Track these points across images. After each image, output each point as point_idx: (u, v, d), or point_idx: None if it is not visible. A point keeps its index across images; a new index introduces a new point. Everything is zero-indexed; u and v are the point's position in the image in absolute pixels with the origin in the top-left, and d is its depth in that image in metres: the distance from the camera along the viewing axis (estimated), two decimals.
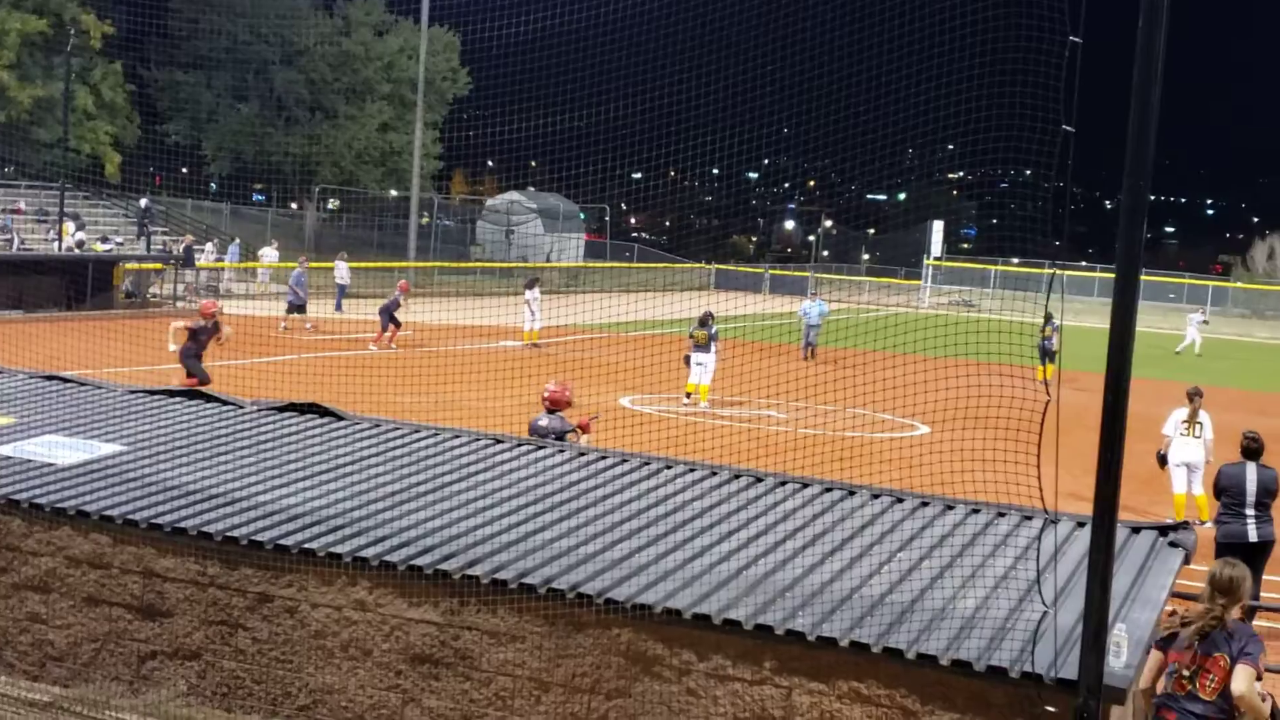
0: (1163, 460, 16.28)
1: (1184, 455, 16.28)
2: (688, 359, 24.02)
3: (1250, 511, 12.51)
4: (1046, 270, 6.80)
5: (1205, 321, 53.20)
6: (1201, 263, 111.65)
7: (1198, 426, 16.31)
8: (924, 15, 7.21)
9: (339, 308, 37.82)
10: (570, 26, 9.04)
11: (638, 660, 6.30)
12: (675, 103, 9.26)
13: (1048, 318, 43.53)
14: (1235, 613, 6.75)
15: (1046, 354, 40.54)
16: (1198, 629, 6.68)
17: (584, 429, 11.57)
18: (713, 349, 24.23)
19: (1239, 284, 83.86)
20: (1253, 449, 12.78)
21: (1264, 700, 6.67)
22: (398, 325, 29.81)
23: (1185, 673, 6.80)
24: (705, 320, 24.64)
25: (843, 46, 8.03)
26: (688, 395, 24.09)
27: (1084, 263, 70.53)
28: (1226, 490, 12.66)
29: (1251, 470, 12.64)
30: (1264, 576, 12.77)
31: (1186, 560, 7.89)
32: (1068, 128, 5.65)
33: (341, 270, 39.34)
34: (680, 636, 6.25)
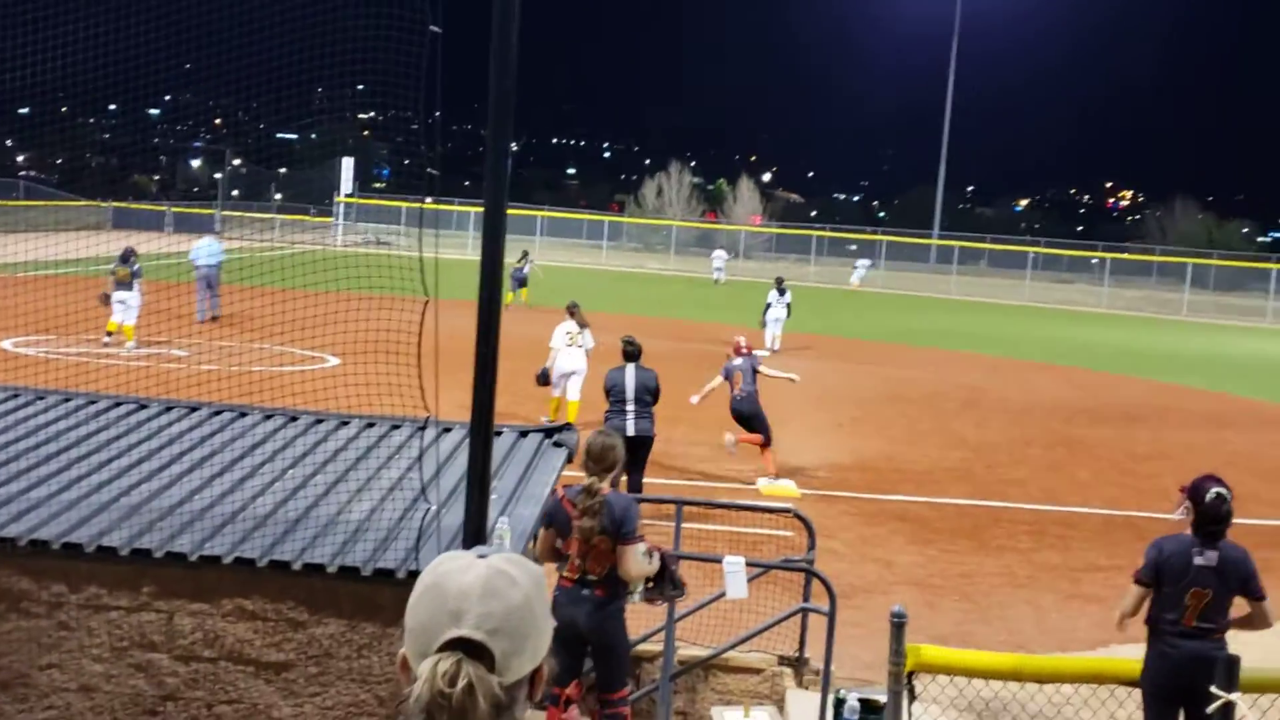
0: (543, 377, 17.78)
1: (569, 364, 18.18)
2: (107, 297, 22.63)
3: (630, 408, 13.83)
4: (420, 205, 6.88)
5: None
6: (600, 200, 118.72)
7: (580, 335, 18.32)
8: None
9: None
10: None
11: (3, 598, 5.84)
12: (65, 36, 8.52)
13: (524, 252, 46.51)
14: (606, 484, 7.39)
15: (521, 282, 43.18)
16: (583, 509, 7.21)
17: None
18: (136, 286, 23.09)
19: (632, 219, 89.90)
20: (630, 352, 14.18)
21: (650, 558, 7.27)
22: None
23: (577, 561, 7.29)
24: (127, 257, 23.39)
25: None
26: (109, 334, 22.72)
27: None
28: (610, 390, 14.05)
29: (631, 371, 13.99)
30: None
31: (569, 459, 8.38)
32: (435, 28, 5.73)
33: None
34: (50, 569, 5.86)
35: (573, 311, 18.72)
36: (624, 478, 12.64)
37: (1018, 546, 14.10)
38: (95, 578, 5.86)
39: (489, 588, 2.08)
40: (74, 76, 8.63)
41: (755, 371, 16.68)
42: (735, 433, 16.42)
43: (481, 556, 2.15)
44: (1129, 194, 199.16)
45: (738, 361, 16.78)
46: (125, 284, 23.44)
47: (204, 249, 29.23)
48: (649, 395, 14.00)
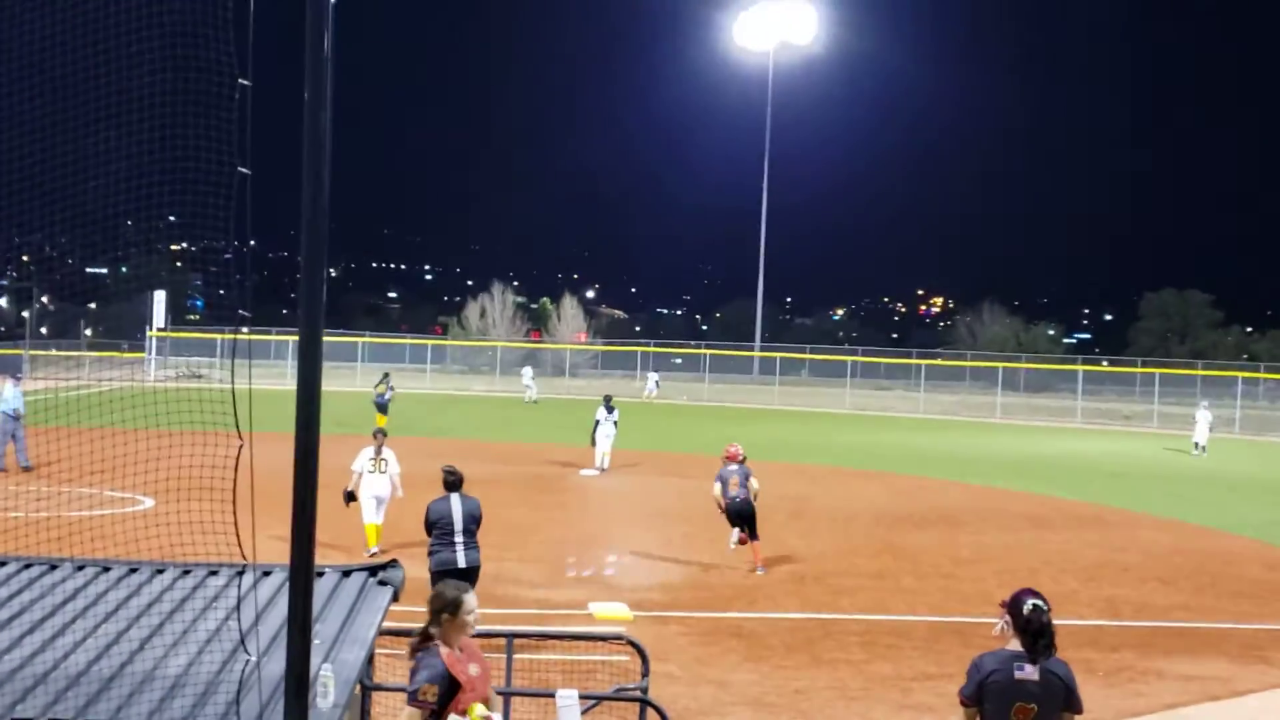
0: (349, 497, 17.87)
1: (374, 489, 18.64)
2: None
3: (459, 539, 13.61)
4: (232, 335, 6.76)
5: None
6: (423, 323, 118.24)
7: (384, 463, 18.80)
8: (115, 87, 7.00)
9: None
10: None
11: None
12: None
13: (385, 375, 47.59)
14: (436, 633, 7.46)
15: (381, 408, 43.31)
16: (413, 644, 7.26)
17: None
18: None
19: (455, 341, 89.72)
20: (451, 481, 14.00)
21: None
22: None
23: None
24: None
25: (41, 114, 7.59)
26: None
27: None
28: (436, 524, 13.73)
29: (456, 501, 13.79)
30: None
31: (395, 597, 8.22)
32: (243, 169, 5.71)
33: None
34: None
35: (376, 435, 19.54)
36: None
37: (850, 658, 14.26)
38: None
39: None
40: None
41: (748, 476, 19.12)
42: (739, 533, 19.18)
43: None
44: (940, 300, 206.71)
45: (733, 468, 19.16)
46: None
47: (5, 397, 28.12)
48: (475, 525, 13.86)
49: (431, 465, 17.83)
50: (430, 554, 13.64)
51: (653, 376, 69.24)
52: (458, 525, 13.65)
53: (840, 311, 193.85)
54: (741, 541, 19.10)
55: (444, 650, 7.44)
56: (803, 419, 57.84)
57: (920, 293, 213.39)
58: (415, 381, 71.53)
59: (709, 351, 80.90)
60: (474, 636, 12.46)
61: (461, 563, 13.44)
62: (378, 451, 19.03)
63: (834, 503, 27.65)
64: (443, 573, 13.35)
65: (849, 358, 79.17)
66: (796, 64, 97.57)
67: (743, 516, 18.90)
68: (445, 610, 7.58)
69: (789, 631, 15.49)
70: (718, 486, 19.03)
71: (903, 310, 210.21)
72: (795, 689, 12.95)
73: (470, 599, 7.63)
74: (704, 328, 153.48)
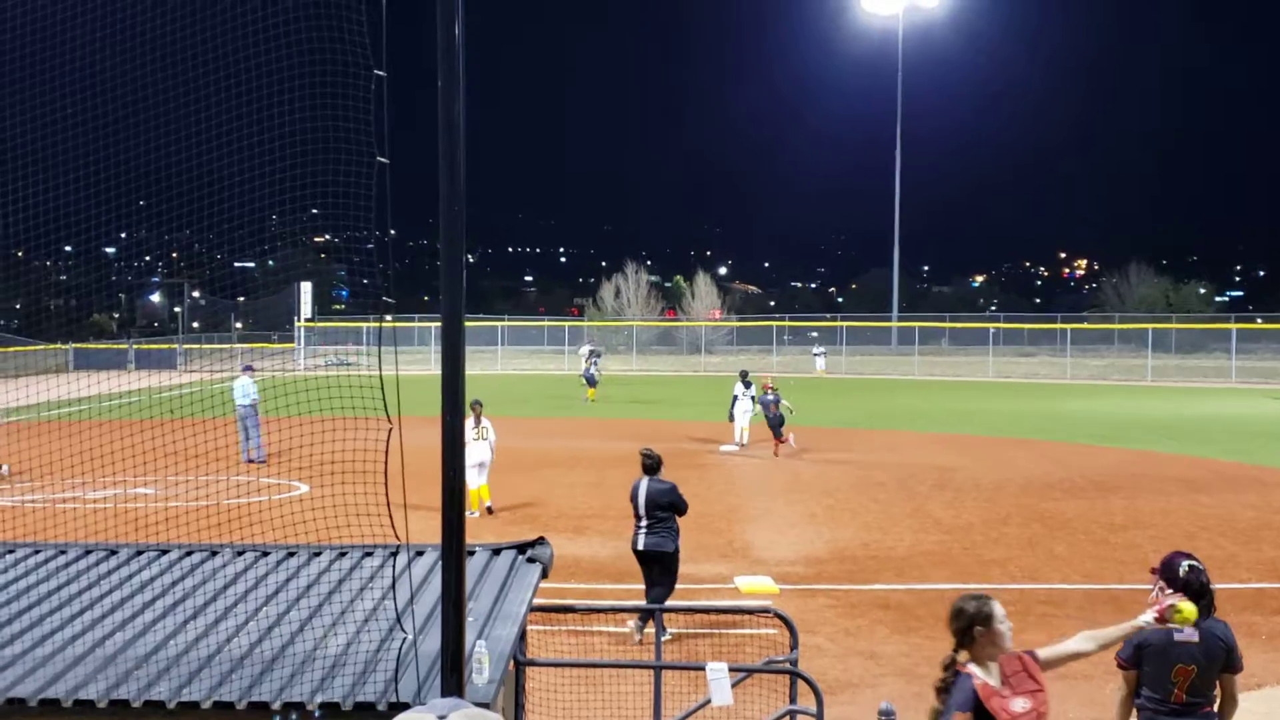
0: None
1: (476, 456, 20.07)
2: None
3: (642, 523, 13.55)
4: (377, 323, 6.90)
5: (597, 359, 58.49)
6: (559, 305, 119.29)
7: (485, 430, 20.59)
8: (253, 83, 7.19)
9: None
10: None
11: None
12: (14, 180, 8.59)
13: (593, 352, 52.43)
14: (964, 656, 6.29)
15: (590, 380, 45.51)
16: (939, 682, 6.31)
17: None
18: None
19: (591, 322, 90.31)
20: (647, 465, 13.91)
21: None
22: None
23: None
24: None
25: (188, 116, 7.84)
26: None
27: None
28: (632, 502, 13.78)
29: (643, 485, 13.75)
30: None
31: (544, 574, 8.33)
32: (382, 159, 5.81)
33: None
34: None
35: (474, 407, 21.05)
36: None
37: None
38: None
39: None
40: (28, 221, 8.67)
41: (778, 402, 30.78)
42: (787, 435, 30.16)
43: (441, 717, 2.18)
44: (1084, 263, 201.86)
45: (770, 397, 30.86)
46: None
47: (239, 388, 28.50)
48: (659, 510, 13.65)
49: (586, 445, 18.11)
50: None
51: (820, 351, 68.14)
52: (640, 508, 13.68)
53: (980, 278, 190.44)
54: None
55: (977, 677, 6.23)
56: (944, 389, 57.05)
57: (1062, 255, 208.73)
58: (554, 363, 72.23)
59: (845, 324, 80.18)
60: (607, 611, 12.59)
61: (639, 545, 13.50)
62: (477, 421, 20.74)
63: (980, 472, 27.23)
64: (641, 554, 13.62)
65: (990, 324, 77.88)
66: (926, 24, 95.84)
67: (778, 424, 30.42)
68: (976, 624, 6.34)
69: (939, 602, 15.30)
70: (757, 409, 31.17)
71: (1045, 274, 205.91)
72: None
73: (997, 606, 6.31)
74: (839, 299, 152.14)
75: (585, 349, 61.12)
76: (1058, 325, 77.64)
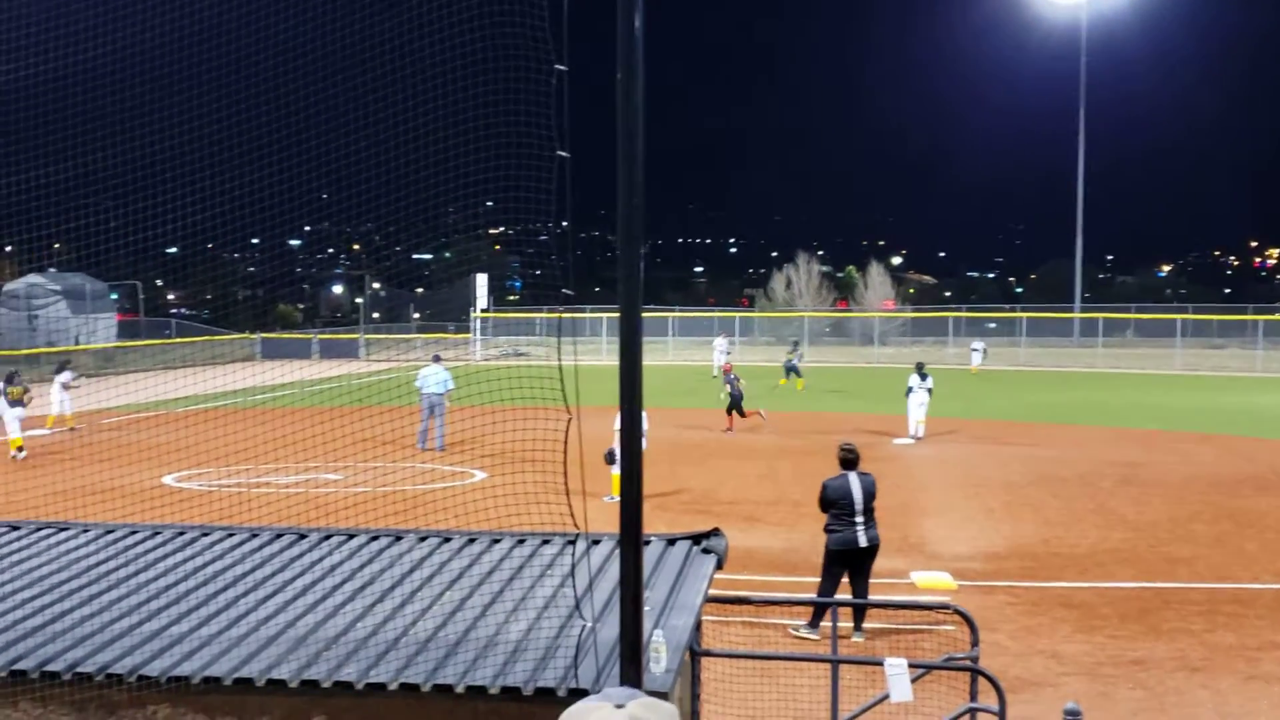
0: (610, 456, 17.78)
1: None
2: None
3: (860, 519, 13.30)
4: (554, 314, 6.94)
5: (727, 353, 58.16)
6: (729, 296, 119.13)
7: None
8: (432, 79, 7.33)
9: None
10: (85, 99, 8.54)
11: None
12: (208, 174, 8.93)
13: (795, 343, 53.59)
14: None
15: (793, 370, 46.41)
16: None
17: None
18: (24, 402, 27.56)
19: (762, 314, 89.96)
20: (851, 459, 13.61)
21: None
22: None
23: None
24: (12, 378, 27.72)
25: (368, 111, 8.04)
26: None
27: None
28: (836, 503, 13.33)
29: (855, 480, 13.47)
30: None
31: (719, 565, 8.33)
32: (562, 153, 5.86)
33: None
34: (222, 705, 5.98)
35: None
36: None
37: (1190, 628, 13.58)
38: (267, 711, 5.97)
39: None
40: (217, 215, 8.99)
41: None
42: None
43: (619, 706, 2.19)
44: (1276, 252, 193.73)
45: (732, 377, 34.18)
46: (18, 401, 27.40)
47: (430, 376, 28.31)
48: (872, 502, 13.46)
49: (758, 440, 17.98)
50: (829, 532, 13.36)
51: (978, 347, 66.53)
52: (858, 504, 13.29)
53: (1166, 268, 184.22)
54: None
55: None
56: (1129, 382, 55.34)
57: (1253, 244, 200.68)
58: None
59: (1025, 315, 78.28)
60: (783, 604, 12.42)
61: (862, 542, 13.21)
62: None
63: (1167, 468, 26.36)
64: (842, 553, 13.27)
65: (1178, 315, 75.15)
66: (1111, 9, 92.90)
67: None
68: None
69: (1123, 601, 14.87)
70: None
71: (1235, 264, 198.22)
72: (1133, 659, 12.43)
73: None
74: (1018, 290, 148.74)
75: (720, 341, 60.81)
76: (1249, 316, 74.63)
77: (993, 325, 77.93)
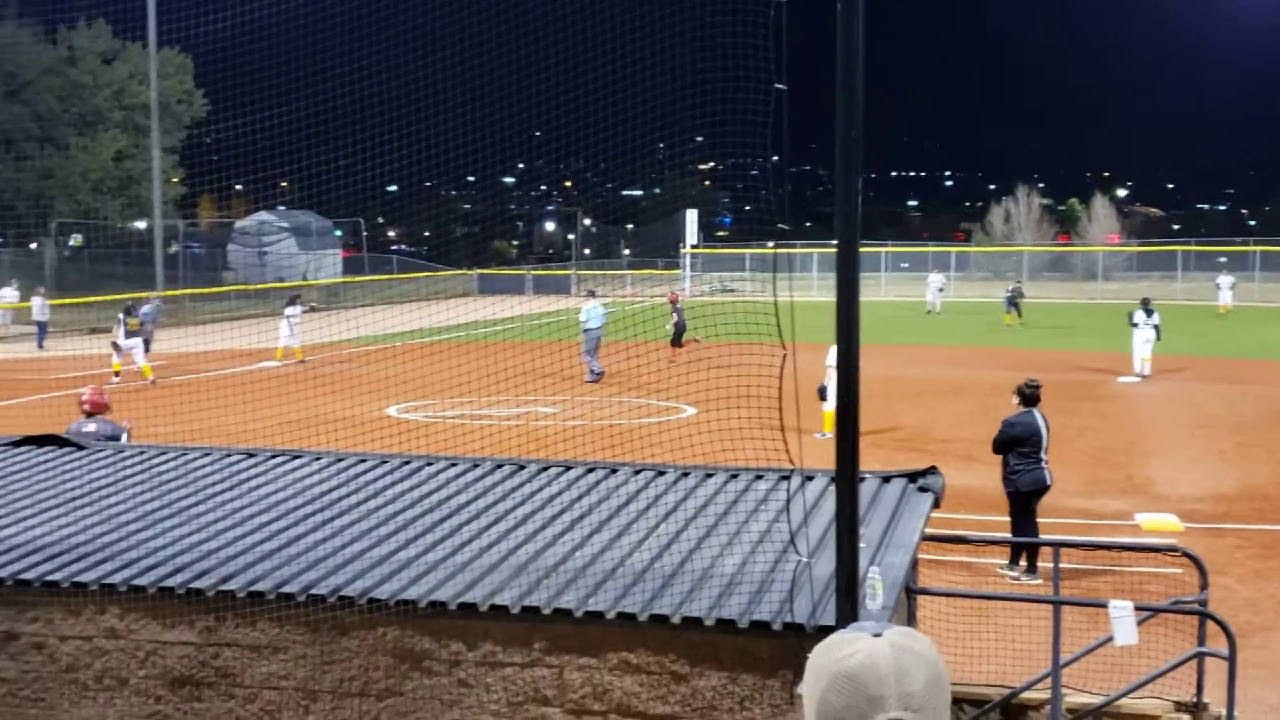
0: (823, 392, 17.43)
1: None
2: (117, 346, 29.26)
3: (1045, 456, 13.01)
4: (769, 250, 6.89)
5: (941, 289, 56.98)
6: (944, 231, 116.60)
7: None
8: (645, 13, 7.32)
9: (40, 345, 36.62)
10: (311, 44, 8.82)
11: (406, 657, 6.21)
12: (426, 114, 9.13)
13: (1017, 284, 51.68)
14: None
15: (1014, 306, 46.11)
16: None
17: None
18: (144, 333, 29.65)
19: (979, 248, 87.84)
20: (1036, 396, 13.25)
21: None
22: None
23: None
24: (132, 309, 29.79)
25: (580, 48, 8.08)
26: (116, 374, 28.33)
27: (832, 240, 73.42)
28: (1026, 440, 12.98)
29: (1040, 417, 13.16)
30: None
31: (936, 503, 8.20)
32: (780, 86, 5.79)
33: (39, 307, 38.17)
34: (448, 628, 6.19)
35: None
36: None
37: None
38: (490, 636, 6.15)
39: (900, 668, 2.11)
40: (435, 152, 9.18)
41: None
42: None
43: (876, 635, 2.16)
44: None
45: (679, 306, 29.61)
46: (135, 332, 29.03)
47: (589, 312, 29.42)
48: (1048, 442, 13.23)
49: (966, 373, 17.65)
50: (1013, 473, 13.00)
51: (1225, 283, 60.57)
52: (1045, 442, 13.03)
53: None
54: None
55: None
56: None
57: None
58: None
59: (1259, 248, 74.46)
60: (1000, 544, 12.06)
61: (1049, 480, 12.95)
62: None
63: None
64: (1033, 493, 12.98)
65: None
66: None
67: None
68: None
69: None
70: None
71: None
72: None
73: None
74: (1251, 223, 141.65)
75: (936, 277, 59.44)
76: None
77: (1223, 260, 74.31)
